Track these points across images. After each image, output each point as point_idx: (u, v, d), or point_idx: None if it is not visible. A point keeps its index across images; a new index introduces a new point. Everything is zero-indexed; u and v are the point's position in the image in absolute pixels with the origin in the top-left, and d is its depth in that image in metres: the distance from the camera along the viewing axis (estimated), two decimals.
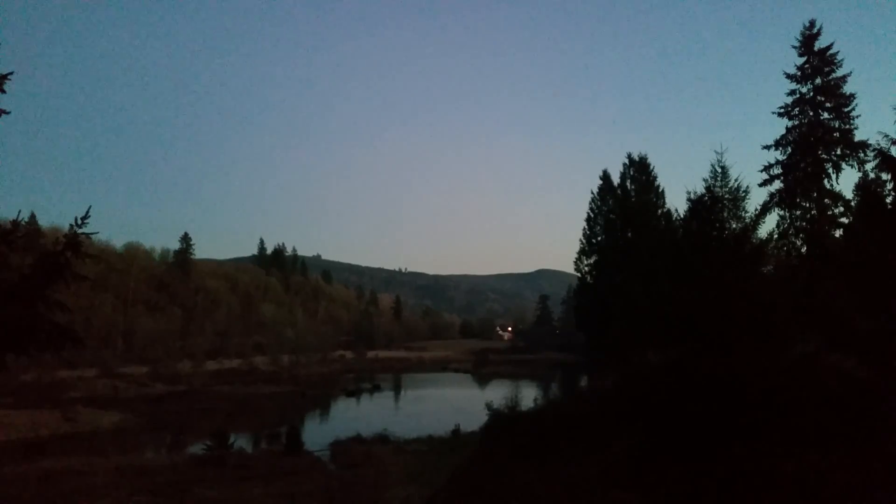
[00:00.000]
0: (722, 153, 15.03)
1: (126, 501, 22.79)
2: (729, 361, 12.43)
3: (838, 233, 25.70)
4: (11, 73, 8.63)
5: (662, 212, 38.25)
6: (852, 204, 24.57)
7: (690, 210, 15.65)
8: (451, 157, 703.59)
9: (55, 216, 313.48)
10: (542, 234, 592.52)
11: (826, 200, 26.30)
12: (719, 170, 15.05)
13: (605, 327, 36.33)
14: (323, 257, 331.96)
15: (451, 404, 56.08)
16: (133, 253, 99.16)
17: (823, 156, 26.76)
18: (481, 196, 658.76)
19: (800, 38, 27.37)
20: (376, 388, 73.93)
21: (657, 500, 11.49)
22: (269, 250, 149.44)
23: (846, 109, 26.56)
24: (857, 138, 26.26)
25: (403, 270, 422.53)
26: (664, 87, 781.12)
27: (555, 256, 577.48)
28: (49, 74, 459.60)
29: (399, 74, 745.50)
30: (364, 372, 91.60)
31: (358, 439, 36.15)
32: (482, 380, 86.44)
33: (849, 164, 26.44)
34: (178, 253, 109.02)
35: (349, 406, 61.03)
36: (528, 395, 37.52)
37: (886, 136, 16.05)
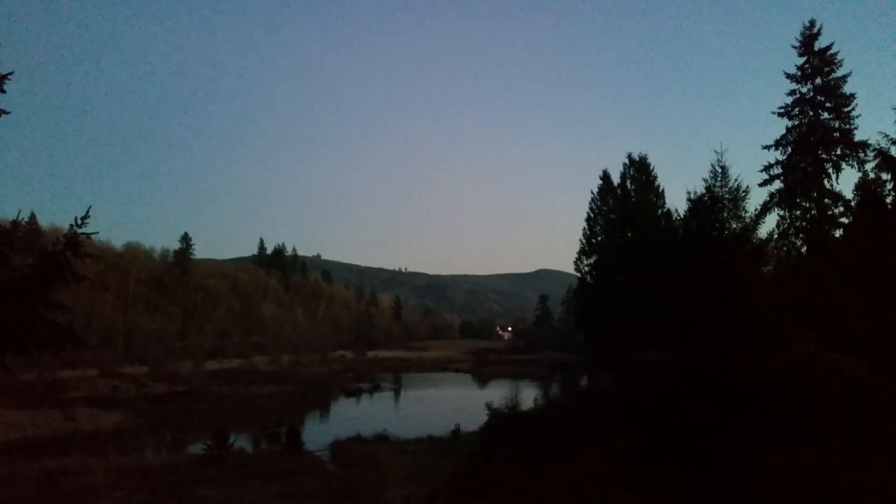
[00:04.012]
0: (722, 153, 15.06)
1: (126, 501, 22.78)
2: (729, 361, 12.44)
3: (838, 233, 25.70)
4: (11, 73, 8.64)
5: (662, 212, 38.25)
6: (852, 204, 24.57)
7: (690, 210, 15.67)
8: (451, 158, 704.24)
9: (55, 216, 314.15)
10: (542, 234, 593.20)
11: (826, 200, 26.29)
12: (719, 170, 15.08)
13: (605, 327, 36.32)
14: (323, 257, 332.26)
15: (450, 404, 56.03)
16: (133, 253, 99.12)
17: (823, 156, 26.75)
18: (481, 196, 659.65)
19: (800, 38, 27.37)
20: (376, 388, 73.88)
21: (657, 500, 11.49)
22: (269, 250, 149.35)
23: (846, 109, 26.54)
24: (857, 138, 26.25)
25: (403, 270, 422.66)
26: (664, 87, 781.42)
27: (555, 256, 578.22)
28: (49, 74, 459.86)
29: (399, 76, 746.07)
30: (364, 372, 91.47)
31: (358, 439, 36.09)
32: (482, 380, 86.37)
33: (849, 164, 26.43)
34: (178, 253, 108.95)
35: (349, 406, 60.99)
36: (528, 395, 37.55)
37: (886, 136, 16.06)
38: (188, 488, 24.28)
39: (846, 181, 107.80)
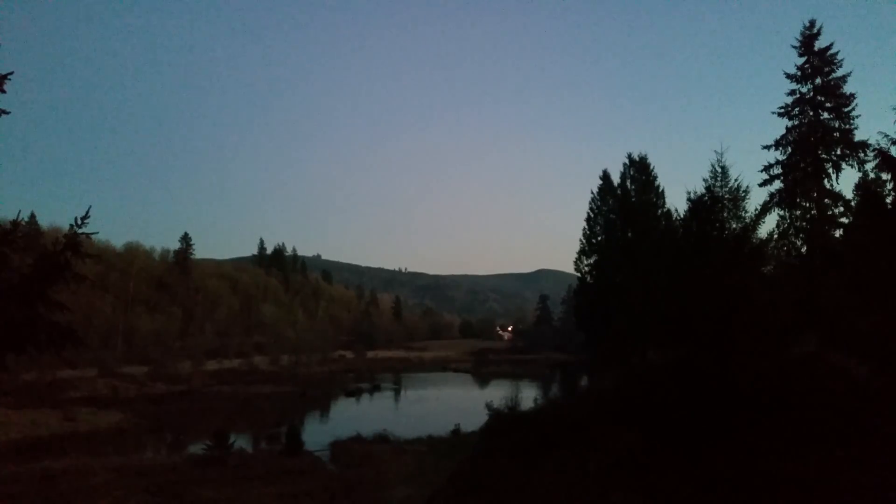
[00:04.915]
0: (722, 153, 15.09)
1: (126, 501, 22.78)
2: (729, 361, 12.44)
3: (838, 233, 25.71)
4: (11, 73, 8.65)
5: (662, 212, 38.24)
6: (852, 204, 24.57)
7: (690, 210, 15.68)
8: (451, 158, 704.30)
9: (55, 216, 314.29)
10: (542, 234, 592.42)
11: (826, 200, 26.29)
12: (719, 170, 15.10)
13: (605, 327, 36.32)
14: (323, 257, 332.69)
15: (450, 404, 56.07)
16: (133, 253, 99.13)
17: (823, 156, 26.75)
18: (481, 196, 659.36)
19: (800, 38, 27.38)
20: (376, 388, 73.89)
21: (657, 500, 11.49)
22: (269, 250, 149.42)
23: (846, 109, 26.54)
24: (857, 138, 26.25)
25: (403, 270, 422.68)
26: (664, 87, 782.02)
27: (555, 256, 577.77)
28: (49, 74, 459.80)
29: (400, 77, 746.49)
30: (364, 372, 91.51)
31: (358, 439, 36.11)
32: (482, 380, 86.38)
33: (849, 164, 26.44)
34: (178, 253, 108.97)
35: (349, 406, 61.00)
36: (528, 396, 37.58)
37: (886, 136, 16.04)
38: (188, 488, 24.29)
39: (846, 181, 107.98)
